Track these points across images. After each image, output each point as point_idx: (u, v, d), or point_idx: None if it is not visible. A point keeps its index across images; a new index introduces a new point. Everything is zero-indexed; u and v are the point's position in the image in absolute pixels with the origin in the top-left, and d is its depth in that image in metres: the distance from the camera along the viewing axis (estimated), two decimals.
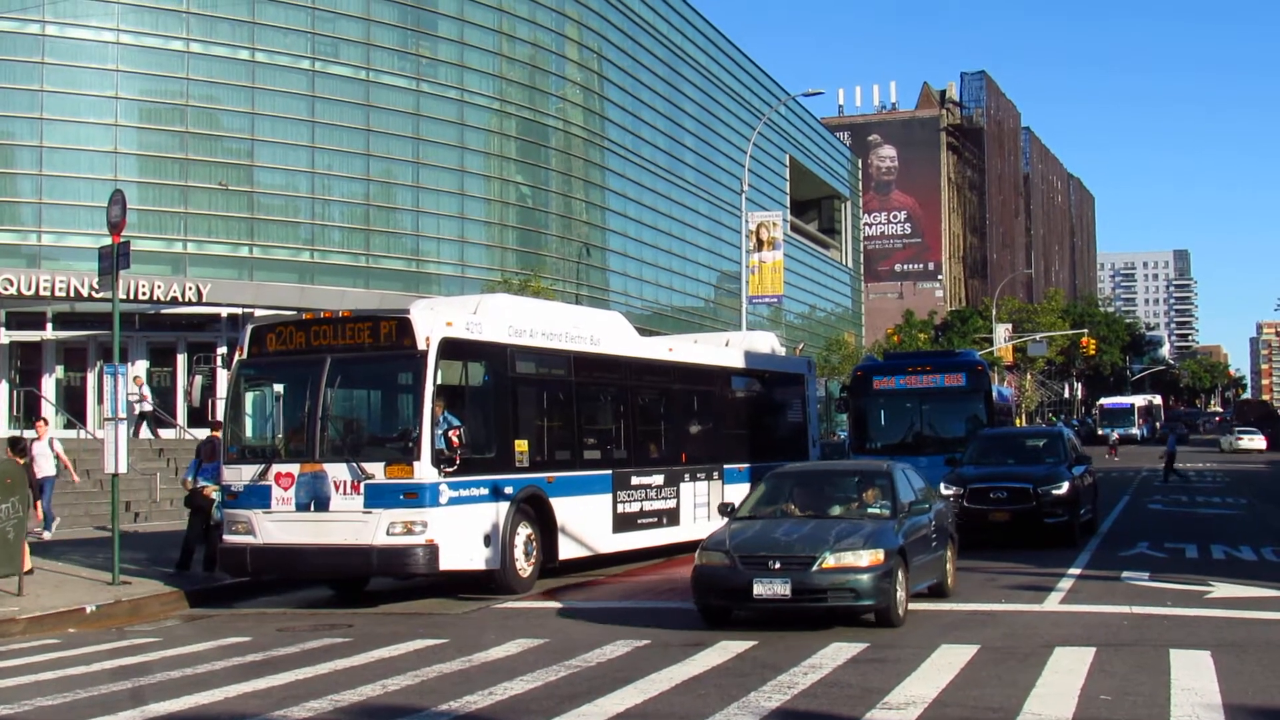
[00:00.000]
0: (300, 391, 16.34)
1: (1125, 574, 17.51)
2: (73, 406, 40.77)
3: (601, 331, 20.54)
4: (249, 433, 17.23)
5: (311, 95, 47.88)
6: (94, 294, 37.53)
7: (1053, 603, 15.18)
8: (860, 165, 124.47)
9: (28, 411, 39.97)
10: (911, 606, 13.72)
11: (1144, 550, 20.86)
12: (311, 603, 17.26)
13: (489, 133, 55.62)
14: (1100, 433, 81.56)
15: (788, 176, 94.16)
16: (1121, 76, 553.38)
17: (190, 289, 42.23)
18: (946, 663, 11.25)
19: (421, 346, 15.62)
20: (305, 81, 47.78)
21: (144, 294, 40.75)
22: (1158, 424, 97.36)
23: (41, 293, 40.03)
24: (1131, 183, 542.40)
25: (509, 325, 17.66)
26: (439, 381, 15.69)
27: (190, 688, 10.91)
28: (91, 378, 40.78)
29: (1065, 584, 16.65)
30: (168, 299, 41.84)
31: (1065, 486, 21.73)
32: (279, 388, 17.10)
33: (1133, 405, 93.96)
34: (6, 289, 39.58)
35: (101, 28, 43.32)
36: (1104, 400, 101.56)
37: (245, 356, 16.75)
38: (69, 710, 10.15)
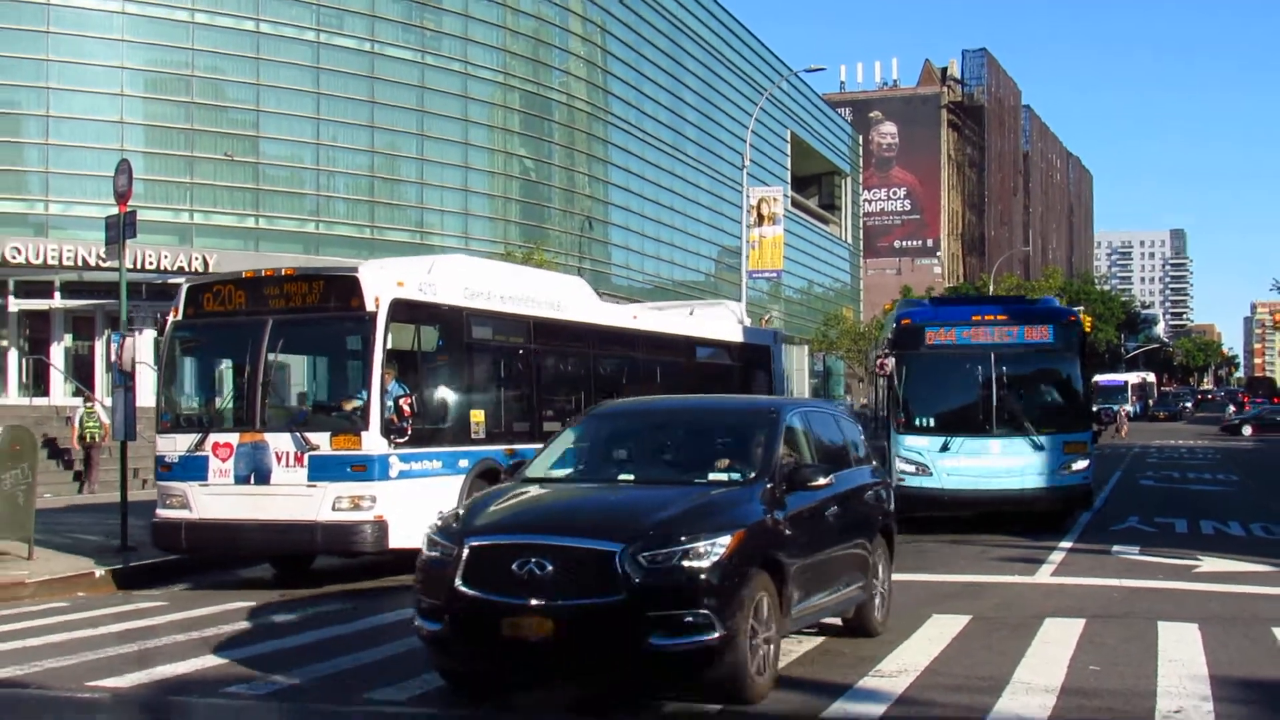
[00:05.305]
0: (240, 355, 15.23)
1: (1116, 548, 17.67)
2: (81, 374, 41.03)
3: (563, 296, 19.51)
4: (184, 400, 16.00)
5: (316, 67, 48.00)
6: (101, 263, 37.69)
7: (1044, 575, 15.36)
8: (861, 142, 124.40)
9: (36, 379, 40.25)
10: (899, 578, 12.85)
11: (1134, 525, 20.96)
12: None
13: (493, 106, 55.73)
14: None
15: (789, 152, 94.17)
16: (1122, 57, 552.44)
17: (197, 259, 42.43)
18: (938, 632, 11.42)
19: (370, 308, 14.50)
20: (310, 53, 47.88)
21: (151, 264, 40.96)
22: (1150, 400, 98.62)
23: (49, 262, 40.23)
24: (1130, 162, 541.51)
25: (465, 287, 16.54)
26: (389, 346, 14.63)
27: (195, 651, 11.06)
28: (99, 346, 40.98)
29: (1057, 557, 16.81)
30: (174, 269, 42.02)
31: (723, 544, 8.47)
32: (217, 351, 16.03)
33: (1126, 383, 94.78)
34: (14, 258, 39.78)
35: None
36: (1098, 377, 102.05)
37: (180, 318, 15.45)
38: (76, 672, 10.25)
